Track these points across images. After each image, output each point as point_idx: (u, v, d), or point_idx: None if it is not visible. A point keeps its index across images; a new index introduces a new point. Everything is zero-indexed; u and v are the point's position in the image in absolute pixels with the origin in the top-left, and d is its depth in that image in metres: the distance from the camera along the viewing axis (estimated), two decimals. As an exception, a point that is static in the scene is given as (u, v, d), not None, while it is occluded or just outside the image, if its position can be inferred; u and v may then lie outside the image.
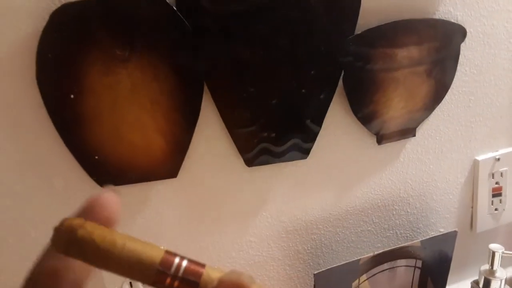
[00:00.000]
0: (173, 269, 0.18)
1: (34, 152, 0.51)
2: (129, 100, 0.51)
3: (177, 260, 0.18)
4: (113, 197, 0.21)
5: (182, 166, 0.56)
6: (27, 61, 0.47)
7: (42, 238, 0.55)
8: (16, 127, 0.49)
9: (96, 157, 0.52)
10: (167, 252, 0.18)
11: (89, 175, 0.53)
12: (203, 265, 0.19)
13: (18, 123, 0.49)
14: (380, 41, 0.58)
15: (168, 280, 0.18)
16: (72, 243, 0.17)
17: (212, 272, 0.19)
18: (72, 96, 0.49)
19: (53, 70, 0.48)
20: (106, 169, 0.53)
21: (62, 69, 0.48)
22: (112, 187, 0.22)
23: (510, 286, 0.73)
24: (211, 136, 0.58)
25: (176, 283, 0.18)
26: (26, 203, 0.52)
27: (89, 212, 0.20)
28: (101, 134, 0.51)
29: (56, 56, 0.47)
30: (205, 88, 0.54)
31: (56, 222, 0.53)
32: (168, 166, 0.56)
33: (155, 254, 0.18)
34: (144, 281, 0.18)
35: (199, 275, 0.18)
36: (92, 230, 0.18)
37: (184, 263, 0.18)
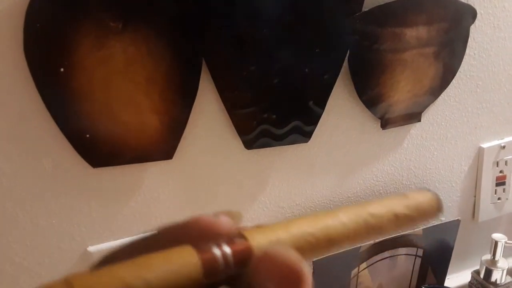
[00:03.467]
0: (220, 263, 0.15)
1: (22, 129, 0.48)
2: (123, 76, 0.48)
3: (217, 252, 0.15)
4: (231, 224, 0.17)
5: (178, 147, 0.54)
6: (14, 31, 0.44)
7: (29, 221, 0.53)
8: (2, 101, 0.46)
9: (87, 136, 0.49)
10: (199, 249, 0.15)
11: (80, 154, 0.50)
12: (242, 235, 0.15)
13: (4, 97, 0.46)
14: (389, 19, 0.55)
15: (221, 274, 0.15)
16: None
17: (257, 236, 0.16)
18: (62, 69, 0.46)
19: (41, 41, 0.44)
20: (97, 148, 0.50)
21: (51, 40, 0.45)
22: (230, 211, 0.17)
23: (511, 277, 0.71)
24: (209, 117, 0.55)
25: (231, 271, 0.15)
26: (13, 184, 0.50)
27: (201, 235, 0.16)
28: (93, 111, 0.49)
29: (45, 26, 0.44)
30: (204, 66, 0.52)
31: (44, 203, 0.50)
32: (163, 147, 0.53)
33: (190, 261, 0.14)
34: None
35: (249, 248, 0.15)
36: (88, 286, 0.13)
37: (227, 249, 0.15)
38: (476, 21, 0.63)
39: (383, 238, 0.64)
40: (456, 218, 0.69)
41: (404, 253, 0.68)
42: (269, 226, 0.17)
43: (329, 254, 0.60)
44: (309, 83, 0.56)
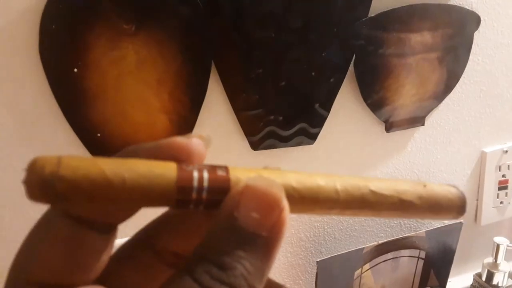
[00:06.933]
0: (195, 183, 0.15)
1: (35, 127, 0.49)
2: (134, 77, 0.50)
3: (195, 174, 0.15)
4: (202, 147, 0.17)
5: (187, 147, 0.55)
6: (29, 32, 0.45)
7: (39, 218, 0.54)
8: (16, 100, 0.48)
9: (98, 135, 0.50)
10: (180, 167, 0.15)
11: (91, 153, 0.51)
12: (225, 168, 0.16)
13: (19, 96, 0.47)
14: (394, 25, 0.56)
15: (194, 195, 0.15)
16: (48, 185, 0.13)
17: (239, 172, 0.16)
18: (75, 70, 0.47)
19: (56, 42, 0.46)
20: (108, 147, 0.52)
21: (66, 41, 0.46)
22: (201, 135, 0.17)
23: (513, 280, 0.72)
24: (216, 118, 0.56)
25: (204, 196, 0.15)
26: (25, 180, 0.51)
27: (174, 155, 0.16)
28: (104, 111, 0.50)
29: (60, 27, 0.45)
30: (213, 68, 0.53)
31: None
32: (172, 147, 0.54)
33: (167, 174, 0.15)
34: (164, 205, 0.15)
35: (227, 179, 0.15)
36: (71, 164, 0.14)
37: (205, 174, 0.15)
38: (480, 27, 0.64)
39: (386, 240, 0.65)
40: (459, 221, 0.69)
41: (406, 255, 0.69)
42: (256, 169, 0.16)
43: (332, 255, 0.61)
44: (315, 86, 0.57)
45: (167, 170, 0.15)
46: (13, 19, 0.45)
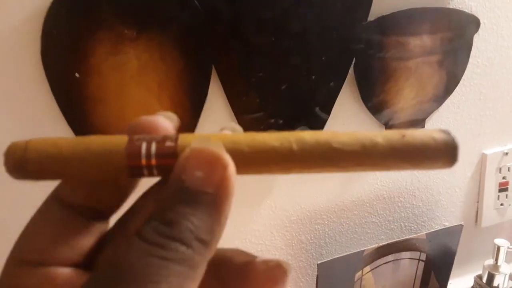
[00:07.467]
0: (143, 149, 0.16)
1: (36, 132, 0.50)
2: (136, 81, 0.50)
3: (144, 142, 0.16)
4: (167, 124, 0.18)
5: (188, 151, 0.55)
6: (32, 37, 0.46)
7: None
8: (19, 105, 0.48)
9: (101, 139, 0.51)
10: (131, 137, 0.16)
11: (93, 157, 0.52)
12: (176, 134, 0.17)
13: (21, 102, 0.48)
14: (393, 29, 0.57)
15: (143, 161, 0.16)
16: (21, 166, 0.16)
17: (189, 138, 0.16)
18: (77, 75, 0.47)
19: (58, 48, 0.46)
20: (110, 151, 0.52)
21: (67, 47, 0.46)
22: (167, 113, 0.19)
23: (514, 282, 0.72)
24: (217, 122, 0.56)
25: (153, 161, 0.16)
26: (25, 184, 0.51)
27: (141, 132, 0.17)
28: (106, 115, 0.50)
29: (61, 33, 0.46)
30: (213, 72, 0.53)
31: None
32: (173, 151, 0.55)
33: (119, 144, 0.16)
34: (115, 174, 0.16)
35: (175, 140, 0.16)
36: (36, 147, 0.16)
37: (154, 143, 0.16)
38: (480, 30, 0.65)
39: (387, 242, 0.65)
40: (459, 223, 0.69)
41: (407, 257, 0.69)
42: (207, 135, 0.17)
43: (333, 257, 0.61)
44: (315, 90, 0.57)
45: (118, 141, 0.16)
46: (15, 25, 0.45)
